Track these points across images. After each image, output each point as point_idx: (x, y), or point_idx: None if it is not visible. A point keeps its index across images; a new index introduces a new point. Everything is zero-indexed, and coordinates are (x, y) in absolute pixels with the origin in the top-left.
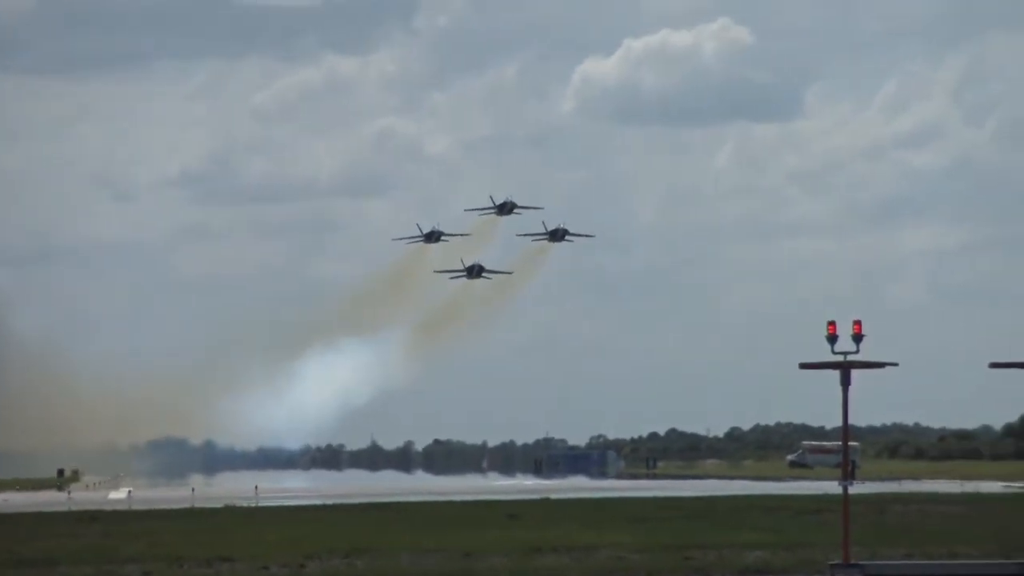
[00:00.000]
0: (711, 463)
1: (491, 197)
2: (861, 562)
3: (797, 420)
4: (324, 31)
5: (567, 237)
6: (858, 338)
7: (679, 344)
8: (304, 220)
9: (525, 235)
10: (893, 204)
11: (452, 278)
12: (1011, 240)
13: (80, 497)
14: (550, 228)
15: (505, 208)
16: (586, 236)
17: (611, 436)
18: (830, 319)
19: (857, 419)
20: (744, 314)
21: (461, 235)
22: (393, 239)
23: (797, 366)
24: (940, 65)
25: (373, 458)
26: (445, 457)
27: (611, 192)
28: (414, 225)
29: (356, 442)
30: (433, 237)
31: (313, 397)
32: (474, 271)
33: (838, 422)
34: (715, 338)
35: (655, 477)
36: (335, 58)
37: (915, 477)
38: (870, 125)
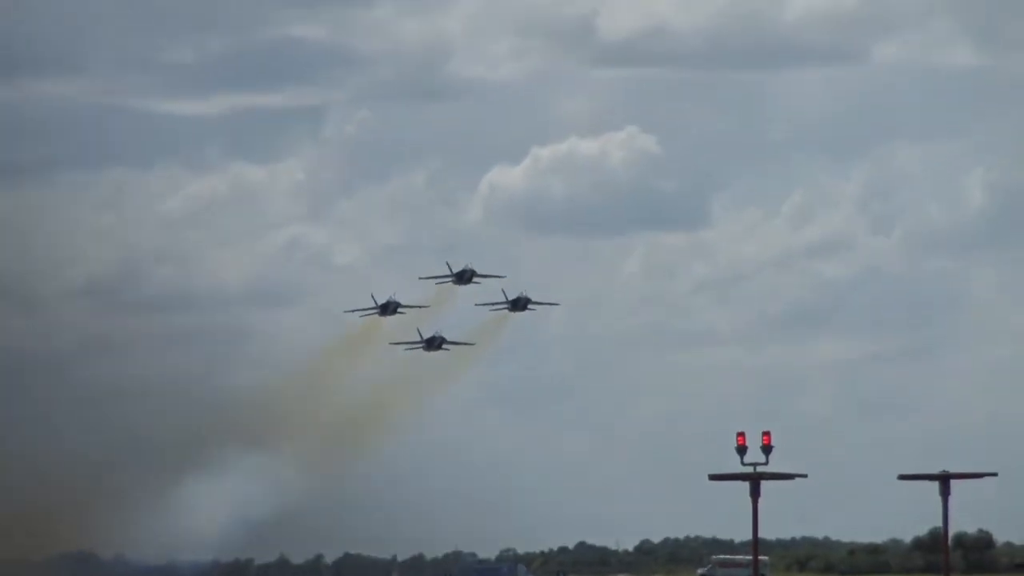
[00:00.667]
0: None
1: (448, 264)
2: None
3: (707, 533)
4: (231, 140)
5: (529, 306)
6: (767, 449)
7: (587, 455)
8: (212, 330)
9: (484, 304)
10: (801, 314)
11: (407, 350)
12: (919, 350)
13: None
14: (511, 297)
15: (464, 276)
16: (550, 304)
17: (521, 550)
18: (739, 430)
19: (767, 532)
20: (653, 424)
21: (419, 307)
22: (345, 311)
23: (707, 477)
24: (846, 175)
25: (282, 572)
26: (355, 571)
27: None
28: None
29: (264, 556)
30: (389, 309)
31: (221, 509)
32: (434, 343)
33: (748, 535)
34: (624, 449)
35: None
36: (242, 166)
37: None
38: (777, 234)
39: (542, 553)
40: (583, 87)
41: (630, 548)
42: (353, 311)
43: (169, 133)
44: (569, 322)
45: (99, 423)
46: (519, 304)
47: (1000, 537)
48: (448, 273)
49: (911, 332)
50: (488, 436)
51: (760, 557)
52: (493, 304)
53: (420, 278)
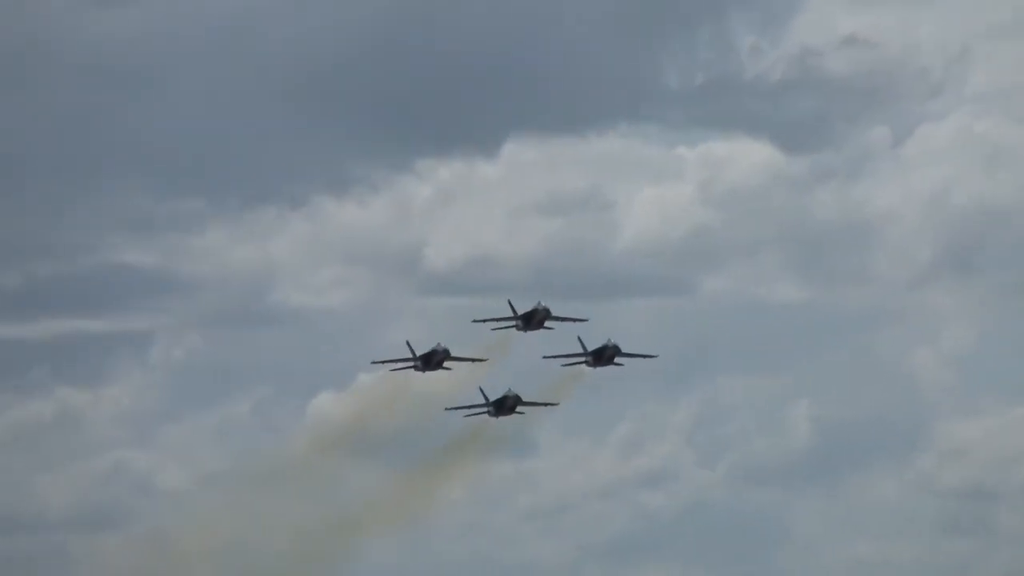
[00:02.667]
0: None
1: (510, 303)
2: None
3: None
4: (57, 364)
5: (617, 360)
6: None
7: None
8: (35, 555)
9: (556, 356)
10: (626, 544)
11: (469, 415)
12: None
13: None
14: (592, 347)
15: (533, 319)
16: (646, 356)
17: None
18: None
19: None
20: None
21: (474, 359)
22: (373, 362)
23: None
24: (673, 406)
25: None
26: None
27: (343, 531)
28: None
29: None
30: (432, 361)
31: None
32: (505, 405)
33: None
34: None
35: None
36: (68, 391)
37: None
38: (603, 465)
39: None
40: (410, 315)
41: None
42: (383, 362)
43: None
44: (393, 551)
45: None
46: (603, 356)
47: None
48: (511, 315)
49: (736, 564)
50: None
51: None
52: (569, 356)
53: (474, 321)
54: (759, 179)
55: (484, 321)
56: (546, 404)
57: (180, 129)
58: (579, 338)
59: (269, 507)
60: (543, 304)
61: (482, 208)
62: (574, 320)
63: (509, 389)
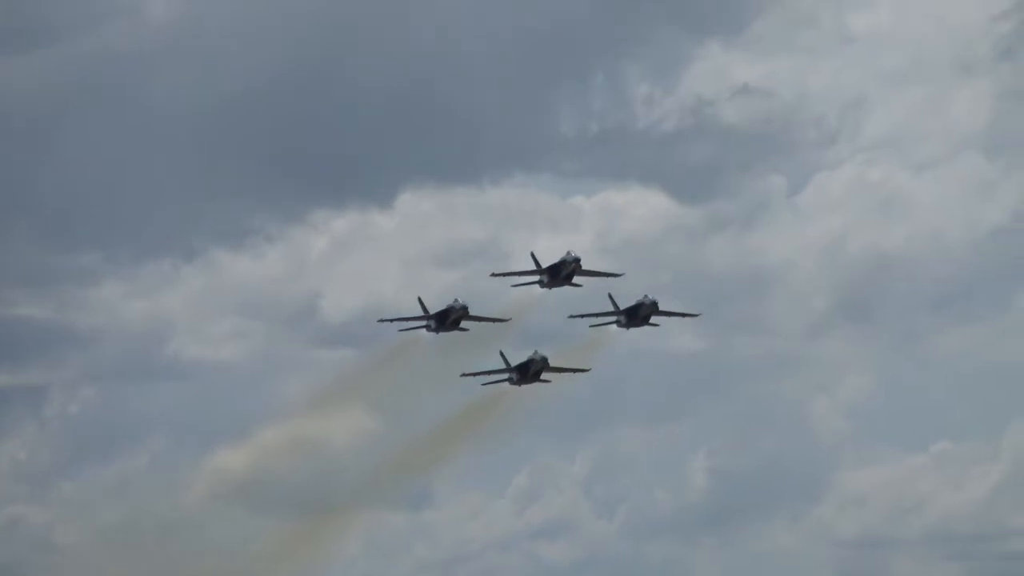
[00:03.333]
0: None
1: (532, 255)
2: None
3: None
4: None
5: (652, 320)
6: None
7: None
8: None
9: (583, 316)
10: None
11: (487, 383)
12: None
13: None
14: (624, 306)
15: (560, 272)
16: (686, 315)
17: None
18: None
19: None
20: None
21: (495, 320)
22: (380, 320)
23: None
24: (571, 458)
25: None
26: None
27: None
28: None
29: None
30: (448, 320)
31: None
32: (530, 371)
33: None
34: None
35: None
36: None
37: None
38: (500, 517)
39: None
40: (306, 367)
41: None
42: (391, 320)
43: None
44: None
45: None
46: (637, 315)
47: None
48: (534, 268)
49: None
50: None
51: None
52: (598, 315)
53: (492, 275)
54: (655, 229)
55: (505, 275)
56: (576, 370)
57: (74, 182)
58: (610, 295)
59: (166, 560)
60: (572, 254)
61: (378, 259)
62: (606, 275)
63: (535, 352)
